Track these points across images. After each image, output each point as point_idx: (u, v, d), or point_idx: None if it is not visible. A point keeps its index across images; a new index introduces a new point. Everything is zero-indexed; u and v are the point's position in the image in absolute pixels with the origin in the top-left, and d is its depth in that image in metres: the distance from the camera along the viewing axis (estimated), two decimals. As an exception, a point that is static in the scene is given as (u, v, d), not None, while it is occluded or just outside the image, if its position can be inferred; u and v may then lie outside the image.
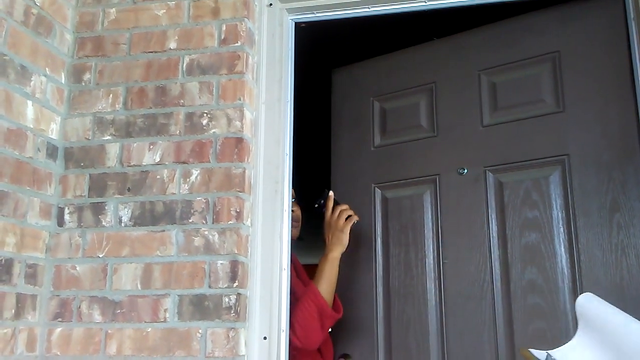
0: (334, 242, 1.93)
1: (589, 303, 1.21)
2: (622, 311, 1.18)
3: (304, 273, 2.15)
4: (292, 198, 2.10)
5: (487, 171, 1.99)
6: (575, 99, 1.88)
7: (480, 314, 1.91)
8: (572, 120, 1.87)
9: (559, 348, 1.15)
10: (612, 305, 1.20)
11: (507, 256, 1.90)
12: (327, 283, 1.88)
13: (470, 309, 1.93)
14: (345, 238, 1.93)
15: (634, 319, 1.17)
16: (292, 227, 2.03)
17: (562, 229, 1.83)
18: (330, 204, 1.99)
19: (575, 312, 1.73)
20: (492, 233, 1.94)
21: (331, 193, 2.01)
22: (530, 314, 1.83)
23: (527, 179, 1.92)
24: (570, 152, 1.85)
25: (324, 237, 1.97)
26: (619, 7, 1.82)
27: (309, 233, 2.61)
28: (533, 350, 1.19)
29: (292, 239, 2.03)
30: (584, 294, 1.24)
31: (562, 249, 1.82)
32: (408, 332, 2.02)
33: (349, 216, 1.96)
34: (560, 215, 1.85)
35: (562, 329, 1.77)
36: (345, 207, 1.98)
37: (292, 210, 2.06)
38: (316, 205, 2.02)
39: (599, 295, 1.71)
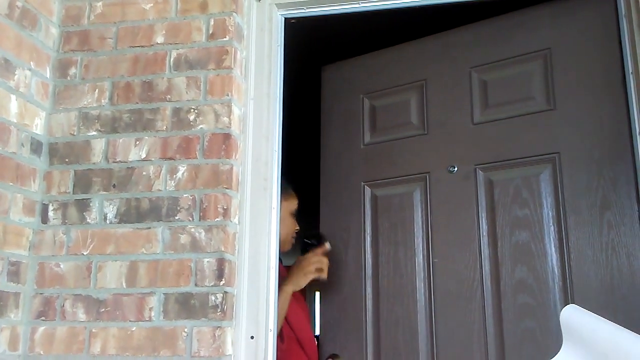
0: (294, 280, 1.92)
1: (573, 315, 1.20)
2: (608, 321, 1.16)
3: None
4: (294, 214, 2.10)
5: (477, 169, 1.98)
6: (566, 97, 1.87)
7: (470, 313, 1.89)
8: (563, 117, 1.86)
9: None
10: (597, 316, 1.18)
11: (497, 255, 1.89)
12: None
13: (460, 308, 1.91)
14: (303, 283, 1.93)
15: (620, 327, 1.15)
16: (291, 241, 2.06)
17: (552, 228, 1.82)
18: (320, 252, 1.99)
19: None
20: (482, 231, 1.93)
21: (328, 245, 2.02)
22: (520, 313, 1.82)
23: (517, 177, 1.91)
24: (561, 150, 1.84)
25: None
26: (610, 3, 1.81)
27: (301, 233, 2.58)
28: None
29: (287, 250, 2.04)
30: (567, 306, 1.22)
31: (553, 248, 1.81)
32: (397, 332, 2.01)
33: (321, 268, 1.97)
34: (550, 213, 1.83)
35: (552, 329, 1.76)
36: (325, 261, 1.99)
37: (296, 228, 2.09)
38: (307, 241, 2.04)
39: (589, 294, 1.71)
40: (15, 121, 1.65)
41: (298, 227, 2.10)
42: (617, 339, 1.12)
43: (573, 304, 1.22)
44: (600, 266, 1.73)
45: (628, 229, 1.71)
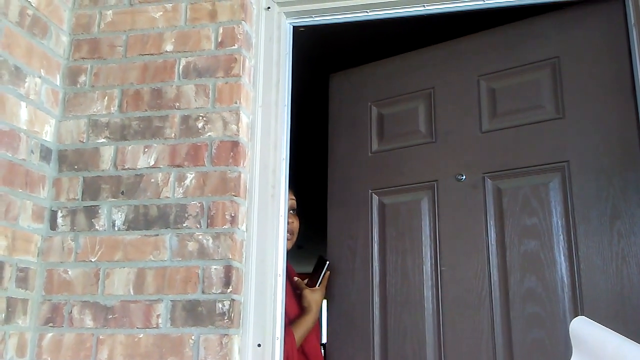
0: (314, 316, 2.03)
1: (582, 327, 1.19)
2: (617, 333, 1.15)
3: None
4: (292, 210, 2.08)
5: (485, 177, 1.97)
6: (575, 105, 1.86)
7: (478, 322, 1.88)
8: (572, 126, 1.85)
9: None
10: (606, 328, 1.18)
11: (505, 264, 1.88)
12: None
13: (468, 317, 1.90)
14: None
15: (629, 340, 1.15)
16: (286, 239, 2.03)
17: (561, 237, 1.81)
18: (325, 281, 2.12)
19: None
20: (491, 240, 1.92)
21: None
22: (529, 323, 1.80)
23: (526, 185, 1.90)
24: (570, 159, 1.83)
25: (306, 302, 2.05)
26: (619, 12, 1.80)
27: (309, 240, 2.58)
28: None
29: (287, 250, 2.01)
30: (577, 317, 1.21)
31: (562, 257, 1.80)
32: (405, 341, 2.00)
33: None
34: (559, 222, 1.82)
35: (561, 339, 1.74)
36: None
37: (290, 222, 2.05)
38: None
39: (599, 304, 1.70)
40: (25, 128, 1.66)
41: (293, 222, 2.11)
42: (626, 352, 1.11)
43: (583, 316, 1.22)
44: (610, 276, 1.72)
45: (638, 238, 1.70)
